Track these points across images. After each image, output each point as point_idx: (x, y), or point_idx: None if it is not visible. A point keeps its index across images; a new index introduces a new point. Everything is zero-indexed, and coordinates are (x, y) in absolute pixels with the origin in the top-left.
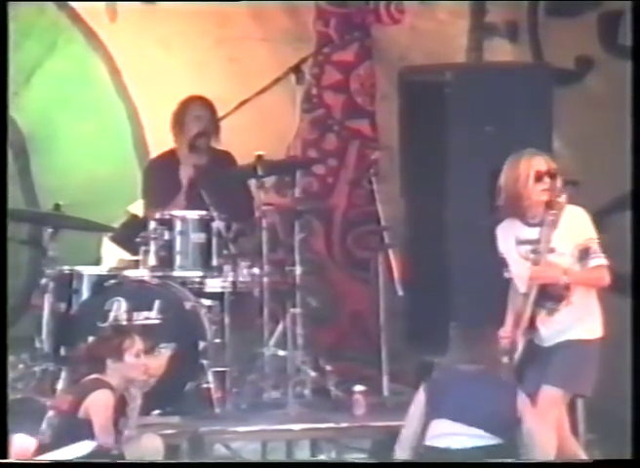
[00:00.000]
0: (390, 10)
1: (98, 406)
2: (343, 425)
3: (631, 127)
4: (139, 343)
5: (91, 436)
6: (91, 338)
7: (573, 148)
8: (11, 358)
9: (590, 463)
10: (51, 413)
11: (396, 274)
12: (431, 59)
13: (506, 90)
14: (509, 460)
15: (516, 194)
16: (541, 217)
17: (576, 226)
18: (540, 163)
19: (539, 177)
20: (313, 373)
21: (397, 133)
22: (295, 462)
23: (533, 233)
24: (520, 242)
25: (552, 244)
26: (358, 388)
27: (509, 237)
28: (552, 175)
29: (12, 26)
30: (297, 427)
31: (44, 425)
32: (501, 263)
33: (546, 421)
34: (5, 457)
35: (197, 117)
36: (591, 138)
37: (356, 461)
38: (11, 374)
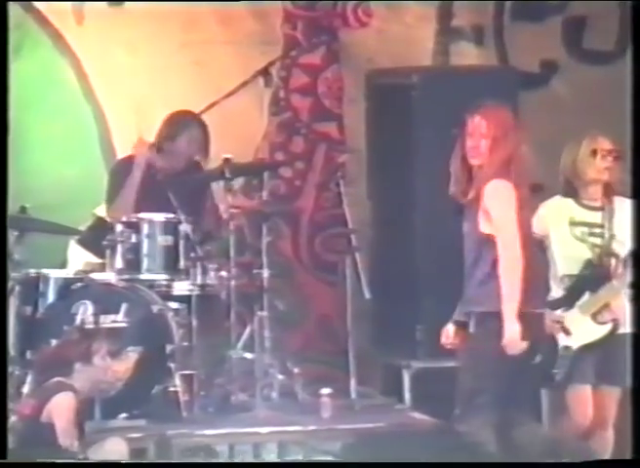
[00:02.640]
0: (358, 13)
1: (60, 409)
2: (311, 428)
3: (631, 127)
4: (105, 346)
5: (54, 440)
6: (57, 340)
7: (538, 152)
8: None
9: (590, 463)
10: (14, 418)
11: (363, 277)
12: (398, 63)
13: (472, 93)
14: (509, 460)
15: (574, 171)
16: (602, 201)
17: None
18: (604, 142)
19: (602, 156)
20: (281, 376)
21: (364, 135)
22: (287, 462)
23: (593, 216)
24: (575, 223)
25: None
26: (325, 391)
27: (561, 216)
28: (616, 157)
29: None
30: (264, 430)
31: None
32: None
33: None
34: (5, 458)
35: (191, 138)
36: (556, 142)
37: (346, 461)
38: None
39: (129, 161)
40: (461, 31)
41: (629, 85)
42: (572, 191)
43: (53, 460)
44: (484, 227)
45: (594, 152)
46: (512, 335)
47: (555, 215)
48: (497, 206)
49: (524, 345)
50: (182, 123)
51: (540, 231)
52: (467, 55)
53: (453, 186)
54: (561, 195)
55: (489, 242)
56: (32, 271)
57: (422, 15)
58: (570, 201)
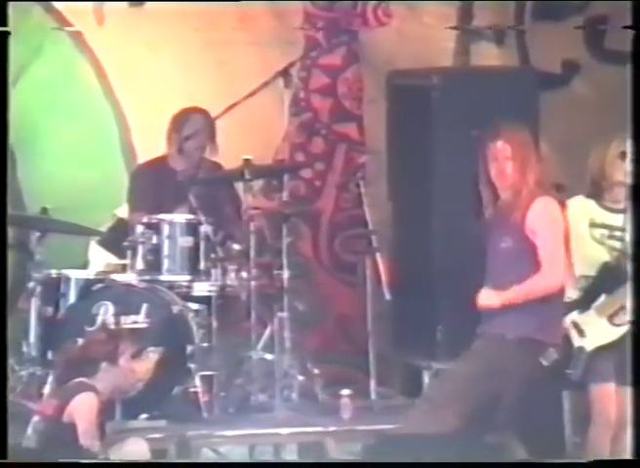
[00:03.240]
0: (378, 14)
1: (81, 409)
2: (331, 429)
3: (631, 127)
4: (129, 349)
5: (75, 440)
6: (82, 340)
7: (559, 152)
8: None
9: (590, 463)
10: (36, 418)
11: (383, 278)
12: (418, 63)
13: (493, 94)
14: (509, 461)
15: (602, 173)
16: (625, 204)
17: None
18: (631, 146)
19: (630, 159)
20: (301, 377)
21: (384, 136)
22: (288, 462)
23: (614, 219)
24: (596, 225)
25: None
26: (345, 392)
27: (582, 217)
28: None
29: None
30: (284, 431)
31: (29, 430)
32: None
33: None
34: (5, 457)
35: (193, 129)
36: (577, 142)
37: (356, 461)
38: None
39: (152, 163)
40: (482, 31)
41: None
42: (596, 192)
43: (74, 460)
44: (528, 245)
45: (623, 155)
46: None
47: (575, 216)
48: (545, 224)
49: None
50: (182, 117)
51: None
52: (488, 55)
53: (485, 209)
54: (584, 196)
55: (533, 259)
56: (53, 272)
57: (443, 15)
58: (591, 202)
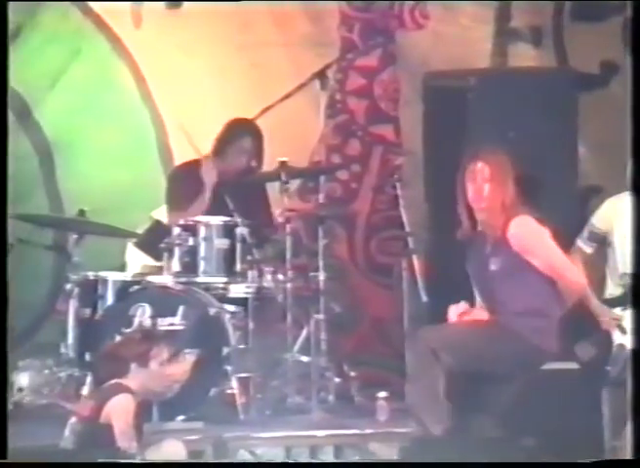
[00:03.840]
0: (414, 15)
1: (118, 410)
2: (367, 431)
3: (631, 128)
4: (164, 352)
5: (113, 441)
6: (117, 343)
7: (597, 154)
8: (36, 363)
9: (590, 463)
10: (73, 419)
11: (419, 279)
12: (455, 65)
13: (530, 95)
14: (509, 461)
15: None
16: None
17: None
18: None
19: None
20: (337, 379)
21: (421, 138)
22: (295, 463)
23: None
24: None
25: None
26: (382, 394)
27: (626, 214)
28: None
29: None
30: (320, 433)
31: (67, 431)
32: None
33: None
34: (5, 457)
35: (242, 147)
36: (616, 144)
37: (358, 461)
38: (36, 380)
39: (189, 165)
40: (519, 32)
41: None
42: None
43: (53, 461)
44: (524, 264)
45: None
46: None
47: (620, 212)
48: (533, 240)
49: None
50: (236, 132)
51: (602, 227)
52: (525, 56)
53: (462, 230)
54: (629, 192)
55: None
56: (91, 274)
57: (480, 16)
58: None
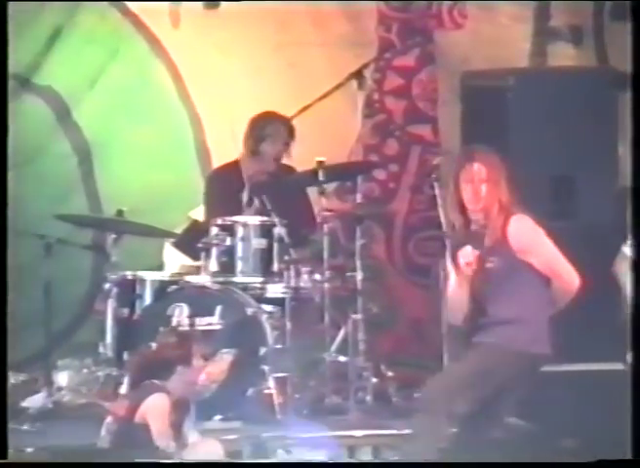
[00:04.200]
0: (453, 14)
1: (154, 411)
2: (405, 431)
3: (631, 128)
4: (200, 351)
5: (149, 441)
6: (155, 344)
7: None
8: (75, 363)
9: (590, 463)
10: (109, 419)
11: None
12: (493, 64)
13: (570, 94)
14: (509, 461)
15: None
16: None
17: None
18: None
19: None
20: (374, 380)
21: (459, 138)
22: (297, 462)
23: None
24: None
25: None
26: (419, 395)
27: None
28: None
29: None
30: (358, 433)
31: (103, 431)
32: None
33: None
34: (5, 457)
35: (272, 136)
36: None
37: (357, 461)
38: (75, 379)
39: (227, 166)
40: (559, 32)
41: None
42: None
43: (53, 460)
44: (521, 263)
45: None
46: None
47: None
48: (532, 238)
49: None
50: (265, 124)
51: None
52: (565, 55)
53: (456, 230)
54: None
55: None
56: (129, 273)
57: (519, 15)
58: None
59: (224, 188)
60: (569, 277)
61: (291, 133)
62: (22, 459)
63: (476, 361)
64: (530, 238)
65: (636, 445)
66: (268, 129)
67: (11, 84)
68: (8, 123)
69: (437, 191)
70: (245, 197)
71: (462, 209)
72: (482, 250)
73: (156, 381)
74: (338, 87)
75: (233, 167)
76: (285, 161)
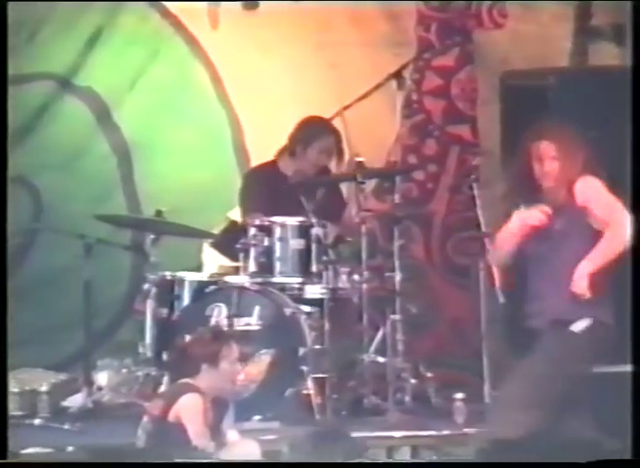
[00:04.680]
0: (493, 14)
1: (188, 410)
2: (445, 433)
3: (631, 128)
4: (236, 351)
5: (185, 440)
6: (188, 337)
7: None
8: (115, 363)
9: (591, 463)
10: (145, 418)
11: (497, 280)
12: (534, 64)
13: (611, 94)
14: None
15: None
16: None
17: None
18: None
19: None
20: (413, 380)
21: (498, 137)
22: (289, 463)
23: None
24: None
25: None
26: (459, 395)
27: None
28: None
29: (115, 33)
30: (397, 434)
31: (139, 430)
32: None
33: None
34: (5, 457)
35: (323, 147)
36: None
37: (358, 462)
38: (115, 379)
39: (263, 167)
40: (600, 30)
41: None
42: None
43: (52, 460)
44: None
45: None
46: None
47: None
48: (595, 191)
49: None
50: (315, 130)
51: None
52: (606, 54)
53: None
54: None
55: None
56: (168, 274)
57: (559, 14)
58: None
59: (261, 188)
60: (625, 226)
61: (338, 144)
62: (30, 459)
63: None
64: (593, 190)
65: (636, 445)
66: (319, 136)
67: (51, 85)
68: (8, 123)
69: (476, 191)
70: (283, 197)
71: (533, 184)
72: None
73: (189, 381)
74: (377, 87)
75: (270, 167)
76: (337, 168)
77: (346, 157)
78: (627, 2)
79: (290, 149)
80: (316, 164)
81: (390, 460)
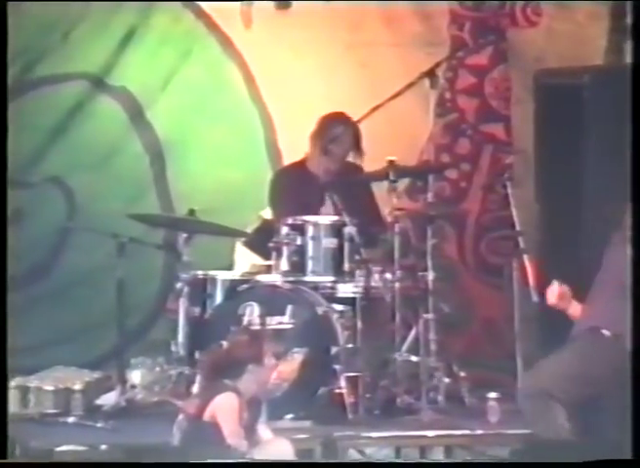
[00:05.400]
0: (527, 12)
1: (224, 409)
2: (478, 432)
3: (631, 129)
4: (273, 347)
5: (219, 439)
6: (227, 343)
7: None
8: (148, 361)
9: (591, 463)
10: (180, 417)
11: (531, 280)
12: (568, 62)
13: None
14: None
15: None
16: None
17: None
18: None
19: None
20: (447, 380)
21: (532, 137)
22: (289, 463)
23: None
24: None
25: None
26: (492, 395)
27: None
28: None
29: (149, 32)
30: (430, 433)
31: (175, 428)
32: None
33: None
34: (5, 458)
35: (338, 134)
36: None
37: (358, 462)
38: (148, 377)
39: (295, 165)
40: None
41: None
42: None
43: (52, 461)
44: None
45: None
46: None
47: None
48: None
49: None
50: (334, 124)
51: None
52: None
53: None
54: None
55: None
56: (200, 273)
57: (594, 13)
58: None
59: (292, 187)
60: None
61: (356, 135)
62: (64, 458)
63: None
64: None
65: (636, 445)
66: (337, 129)
67: (85, 85)
68: (7, 123)
69: (509, 190)
70: (315, 196)
71: None
72: None
73: (227, 381)
74: (409, 86)
75: (300, 166)
76: (355, 160)
77: (364, 150)
78: (627, 2)
79: (316, 148)
80: (342, 157)
81: (390, 460)
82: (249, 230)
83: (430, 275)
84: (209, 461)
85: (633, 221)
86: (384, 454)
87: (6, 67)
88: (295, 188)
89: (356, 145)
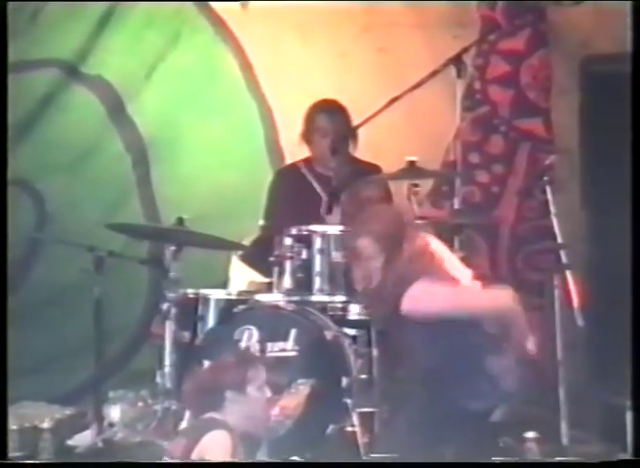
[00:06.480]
0: None
1: (214, 450)
2: None
3: (631, 129)
4: (264, 375)
5: None
6: (207, 364)
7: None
8: (129, 395)
9: (591, 463)
10: (166, 460)
11: (576, 300)
12: (620, 47)
13: None
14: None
15: None
16: None
17: None
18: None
19: None
20: None
21: (577, 133)
22: (289, 463)
23: None
24: None
25: None
26: (531, 434)
27: None
28: None
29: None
30: None
31: None
32: None
33: None
34: (5, 458)
35: (323, 129)
36: None
37: (359, 462)
38: (129, 413)
39: (294, 167)
40: None
41: None
42: None
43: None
44: None
45: None
46: None
47: None
48: None
49: None
50: (315, 114)
51: None
52: None
53: None
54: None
55: None
56: (190, 291)
57: None
58: None
59: (294, 191)
60: None
61: (344, 122)
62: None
63: None
64: None
65: (636, 445)
66: (318, 121)
67: (56, 73)
68: (7, 123)
69: (550, 196)
70: (322, 202)
71: None
72: None
73: (215, 415)
74: (433, 74)
75: (303, 166)
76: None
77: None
78: (627, 2)
79: (332, 146)
80: (331, 149)
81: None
82: (247, 242)
83: None
84: (208, 461)
85: (633, 221)
86: None
87: (6, 67)
88: (297, 192)
89: (344, 133)
